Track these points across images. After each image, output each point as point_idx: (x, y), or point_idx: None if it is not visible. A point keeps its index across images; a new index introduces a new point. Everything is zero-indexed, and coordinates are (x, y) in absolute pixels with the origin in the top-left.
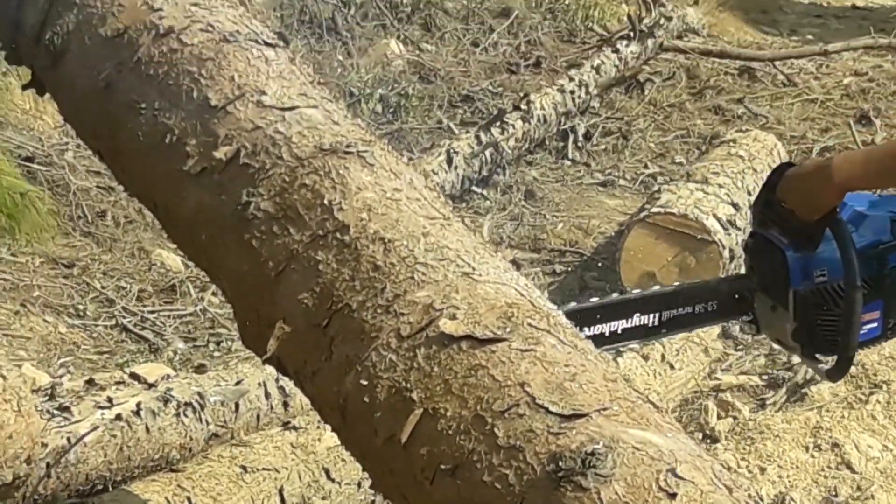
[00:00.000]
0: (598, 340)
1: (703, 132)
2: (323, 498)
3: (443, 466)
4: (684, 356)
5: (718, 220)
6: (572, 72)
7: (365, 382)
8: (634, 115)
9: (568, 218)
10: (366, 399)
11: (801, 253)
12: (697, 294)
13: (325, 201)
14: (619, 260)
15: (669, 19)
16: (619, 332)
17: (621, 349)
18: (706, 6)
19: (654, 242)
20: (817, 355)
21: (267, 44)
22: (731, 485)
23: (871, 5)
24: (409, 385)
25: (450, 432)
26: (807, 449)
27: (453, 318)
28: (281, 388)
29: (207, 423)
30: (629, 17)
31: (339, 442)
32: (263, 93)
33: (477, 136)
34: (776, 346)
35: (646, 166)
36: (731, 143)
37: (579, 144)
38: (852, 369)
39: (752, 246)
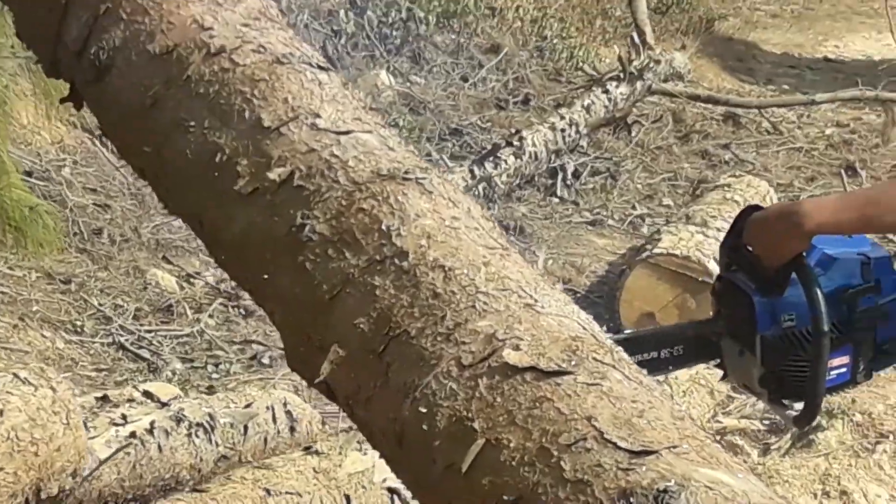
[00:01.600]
0: None
1: (690, 175)
2: None
3: (506, 497)
4: (690, 398)
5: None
6: (563, 110)
7: (424, 410)
8: (622, 156)
9: (558, 255)
10: (425, 427)
11: (768, 298)
12: (665, 338)
13: (384, 227)
14: (618, 299)
15: (658, 62)
16: None
17: None
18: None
19: (655, 283)
20: (784, 401)
21: (320, 67)
22: None
23: (843, 58)
24: (470, 414)
25: (513, 463)
26: (815, 496)
27: (517, 348)
28: (288, 413)
29: (217, 445)
30: (620, 58)
31: (359, 469)
32: (318, 116)
33: (471, 170)
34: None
35: (633, 207)
36: (726, 188)
37: (568, 183)
38: (859, 417)
39: (719, 290)
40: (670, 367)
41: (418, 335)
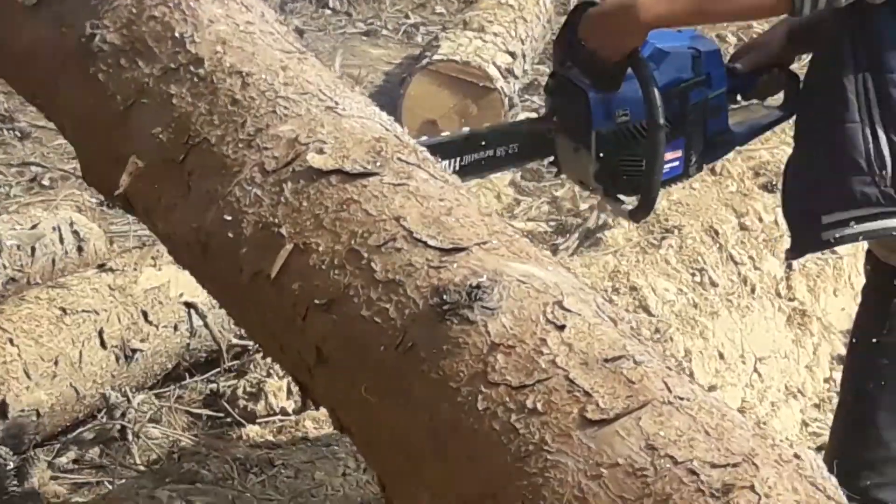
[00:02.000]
0: None
1: None
2: (142, 340)
3: (317, 301)
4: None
5: (498, 67)
6: None
7: (229, 218)
8: None
9: (327, 62)
10: (230, 234)
11: (602, 93)
12: (498, 137)
13: (177, 34)
14: (400, 107)
15: None
16: None
17: None
18: None
19: (436, 90)
20: (620, 196)
21: None
22: (615, 317)
23: None
24: (277, 220)
25: (323, 267)
26: (606, 292)
27: (321, 152)
28: (75, 233)
29: (5, 267)
30: None
31: (155, 284)
32: None
33: None
34: (577, 188)
35: (407, 16)
36: None
37: None
38: None
39: (552, 87)
40: (506, 166)
41: (219, 143)
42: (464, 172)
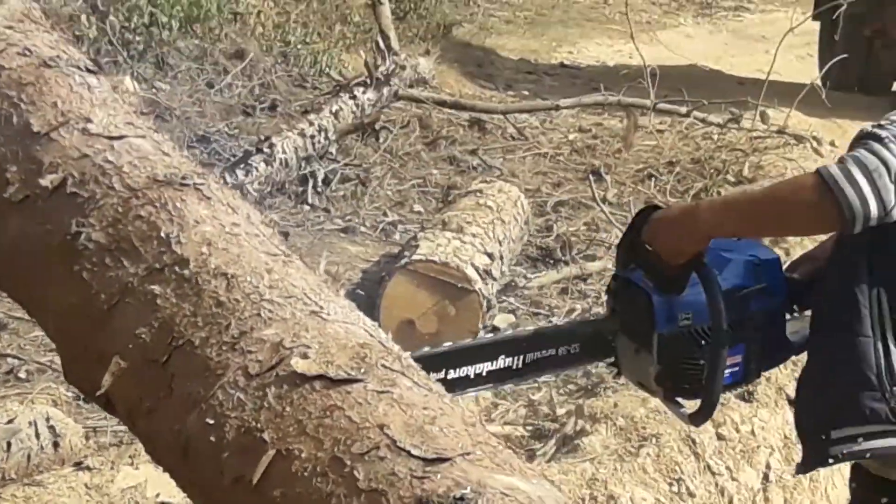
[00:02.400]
0: (463, 383)
1: (439, 181)
2: None
3: None
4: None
5: (476, 269)
6: (312, 116)
7: (211, 421)
8: (372, 163)
9: (311, 264)
10: (212, 438)
11: (666, 296)
12: (561, 336)
13: (163, 234)
14: (378, 307)
15: (403, 68)
16: (484, 374)
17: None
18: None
19: (414, 290)
20: (679, 399)
21: (89, 70)
22: None
23: (578, 64)
24: (259, 425)
25: (305, 474)
26: (583, 501)
27: (305, 356)
28: (51, 428)
29: None
30: (366, 64)
31: (132, 484)
32: (89, 120)
33: (223, 177)
34: (638, 389)
35: (385, 214)
36: (478, 194)
37: (319, 189)
38: (622, 422)
39: (615, 288)
40: (566, 366)
41: (203, 345)
42: (526, 371)
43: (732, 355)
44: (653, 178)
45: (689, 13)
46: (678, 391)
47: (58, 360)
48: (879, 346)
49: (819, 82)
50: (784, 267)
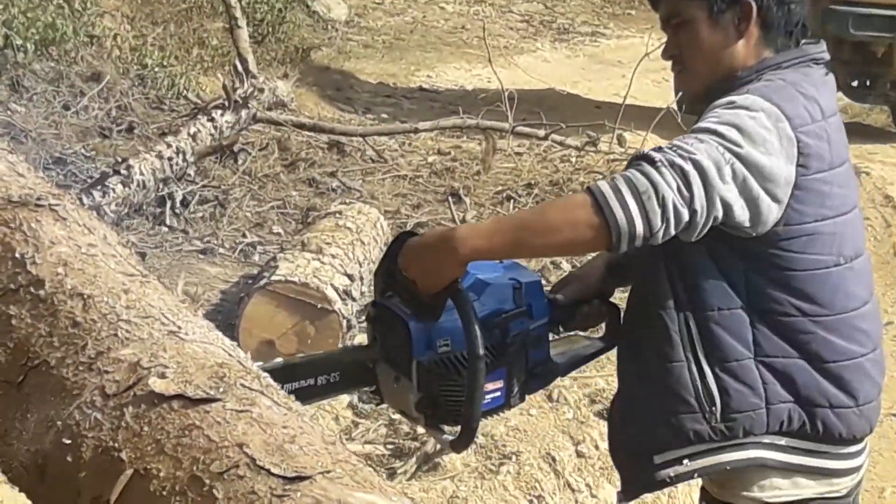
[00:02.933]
0: None
1: (299, 203)
2: None
3: None
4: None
5: (336, 289)
6: (170, 138)
7: (68, 441)
8: (230, 184)
9: (169, 285)
10: (69, 458)
11: (423, 323)
12: (320, 365)
13: (17, 254)
14: (237, 327)
15: (262, 91)
16: None
17: None
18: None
19: (274, 310)
20: (441, 426)
21: None
22: None
23: (436, 87)
24: (117, 444)
25: (164, 493)
26: None
27: (163, 376)
28: None
29: None
30: (224, 87)
31: None
32: None
33: (79, 199)
34: (399, 417)
35: (244, 235)
36: (338, 215)
37: (177, 211)
38: (482, 440)
39: (374, 315)
40: (327, 394)
41: (59, 365)
42: None
43: (493, 380)
44: (511, 200)
45: (547, 38)
46: (439, 418)
47: None
48: (694, 368)
49: (675, 106)
50: (548, 288)
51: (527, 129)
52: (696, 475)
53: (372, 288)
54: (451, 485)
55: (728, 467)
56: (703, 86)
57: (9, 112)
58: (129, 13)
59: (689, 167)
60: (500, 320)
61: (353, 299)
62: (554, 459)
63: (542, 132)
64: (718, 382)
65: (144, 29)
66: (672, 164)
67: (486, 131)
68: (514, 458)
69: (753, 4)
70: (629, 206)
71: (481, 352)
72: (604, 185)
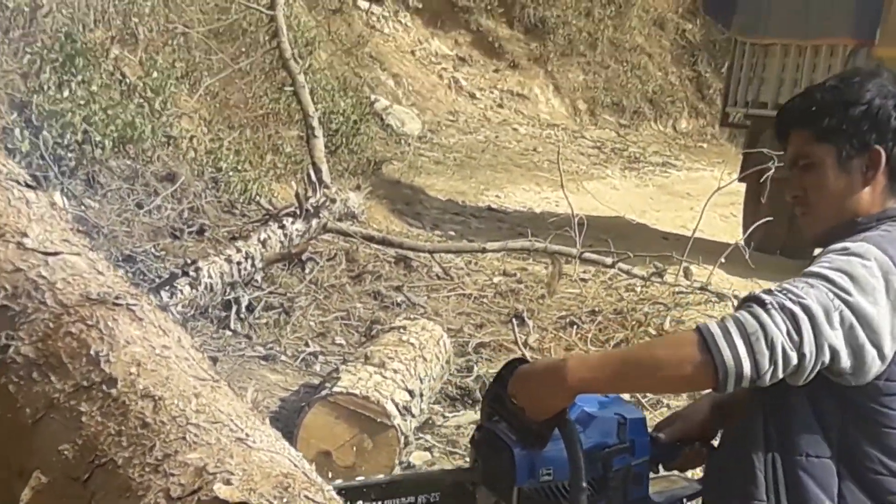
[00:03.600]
0: None
1: (363, 315)
2: None
3: None
4: None
5: (396, 404)
6: (240, 243)
7: None
8: (296, 292)
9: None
10: None
11: (528, 451)
12: (423, 484)
13: (92, 352)
14: (296, 437)
15: (333, 201)
16: None
17: None
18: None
19: (333, 422)
20: None
21: (27, 185)
22: None
23: (505, 208)
24: None
25: None
26: None
27: (228, 483)
28: None
29: None
30: (297, 195)
31: None
32: (25, 235)
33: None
34: None
35: (307, 344)
36: (401, 330)
37: (242, 316)
38: None
39: (478, 439)
40: None
41: (125, 465)
42: None
43: None
44: (574, 326)
45: (617, 166)
46: None
47: None
48: None
49: (743, 242)
50: (652, 427)
51: (594, 256)
52: None
53: (433, 404)
54: None
55: None
56: (825, 230)
57: (83, 207)
58: (207, 116)
59: (798, 311)
60: (603, 454)
61: (413, 415)
62: None
63: (609, 260)
64: None
65: (221, 132)
66: (782, 308)
67: (553, 255)
68: None
69: (883, 153)
70: (737, 346)
71: (584, 483)
72: (712, 325)
